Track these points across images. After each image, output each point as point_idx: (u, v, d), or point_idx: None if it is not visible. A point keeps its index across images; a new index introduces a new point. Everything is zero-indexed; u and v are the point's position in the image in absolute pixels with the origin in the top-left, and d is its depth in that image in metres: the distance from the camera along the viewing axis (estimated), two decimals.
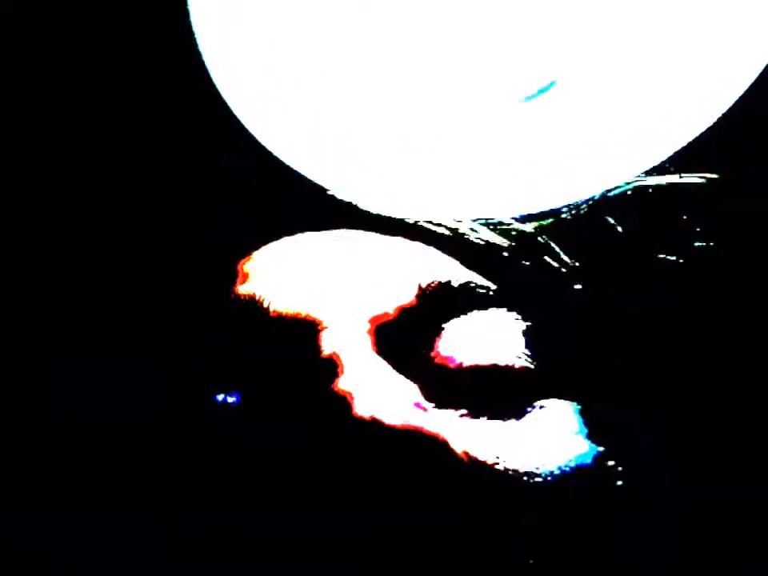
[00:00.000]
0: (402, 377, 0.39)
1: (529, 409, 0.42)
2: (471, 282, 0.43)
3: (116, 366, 0.45)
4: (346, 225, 0.43)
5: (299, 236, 0.45)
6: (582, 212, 0.41)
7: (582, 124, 0.40)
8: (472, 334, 0.42)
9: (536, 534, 0.43)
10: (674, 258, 0.44)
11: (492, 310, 0.43)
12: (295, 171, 0.42)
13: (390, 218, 0.43)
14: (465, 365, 0.41)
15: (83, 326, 0.45)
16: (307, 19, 0.41)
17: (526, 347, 0.43)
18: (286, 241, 0.46)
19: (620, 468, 0.46)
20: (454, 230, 0.45)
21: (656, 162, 0.41)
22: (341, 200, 0.43)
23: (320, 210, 0.44)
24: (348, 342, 0.39)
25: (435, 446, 0.39)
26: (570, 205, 0.39)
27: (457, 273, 0.44)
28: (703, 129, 0.39)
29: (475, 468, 0.40)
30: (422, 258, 0.44)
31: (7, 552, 0.42)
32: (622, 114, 0.41)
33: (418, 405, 0.39)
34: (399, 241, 0.44)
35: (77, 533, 0.42)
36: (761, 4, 0.40)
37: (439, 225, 0.44)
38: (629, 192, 0.41)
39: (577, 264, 0.45)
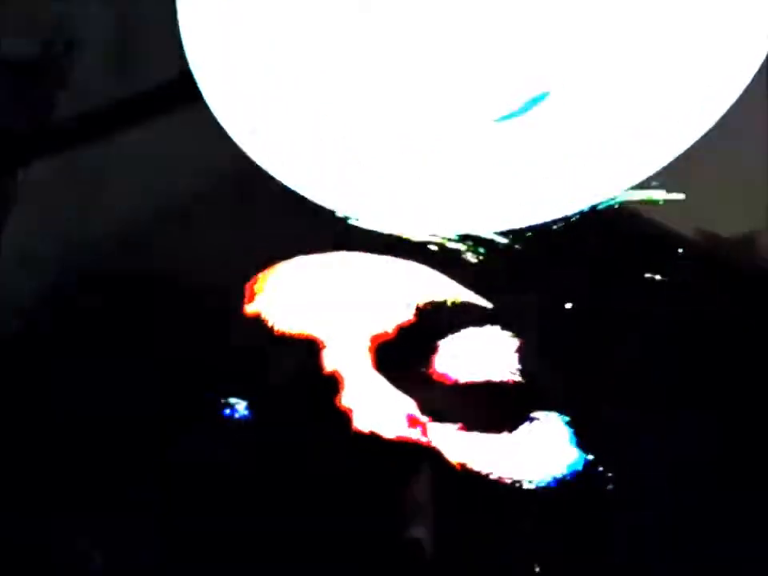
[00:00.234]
0: (399, 392, 0.41)
1: (521, 421, 0.44)
2: (466, 300, 0.45)
3: (127, 376, 0.46)
4: (346, 246, 0.45)
5: (303, 258, 0.47)
6: (571, 226, 0.42)
7: (572, 138, 0.41)
8: (467, 350, 0.44)
9: (532, 539, 0.44)
10: (658, 273, 0.44)
11: (486, 327, 0.45)
12: (295, 193, 0.43)
13: (388, 237, 0.45)
14: (460, 380, 0.42)
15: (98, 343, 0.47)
16: (307, 22, 0.41)
17: (519, 362, 0.44)
18: (290, 262, 0.48)
19: (609, 474, 0.47)
20: (447, 248, 0.46)
21: (642, 178, 0.41)
22: (341, 222, 0.45)
23: (321, 231, 0.45)
24: (348, 359, 0.41)
25: (431, 457, 0.40)
26: (559, 219, 0.40)
27: (452, 291, 0.46)
28: (687, 145, 0.40)
29: (470, 478, 0.42)
30: (418, 278, 0.46)
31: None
32: (611, 130, 0.42)
33: (411, 418, 0.40)
34: (397, 262, 0.46)
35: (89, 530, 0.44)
36: (739, 26, 0.41)
37: (433, 243, 0.46)
38: (616, 206, 0.42)
39: (566, 280, 0.46)
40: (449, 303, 0.45)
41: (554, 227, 0.41)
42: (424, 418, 0.42)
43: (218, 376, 0.46)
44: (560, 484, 0.45)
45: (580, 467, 0.46)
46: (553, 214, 0.40)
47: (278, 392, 0.43)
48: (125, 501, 0.45)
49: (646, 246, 0.43)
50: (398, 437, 0.40)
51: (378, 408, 0.39)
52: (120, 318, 1.28)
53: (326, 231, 0.47)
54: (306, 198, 0.43)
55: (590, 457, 0.48)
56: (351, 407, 0.40)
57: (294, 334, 0.43)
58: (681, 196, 0.42)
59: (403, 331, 0.42)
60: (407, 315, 0.43)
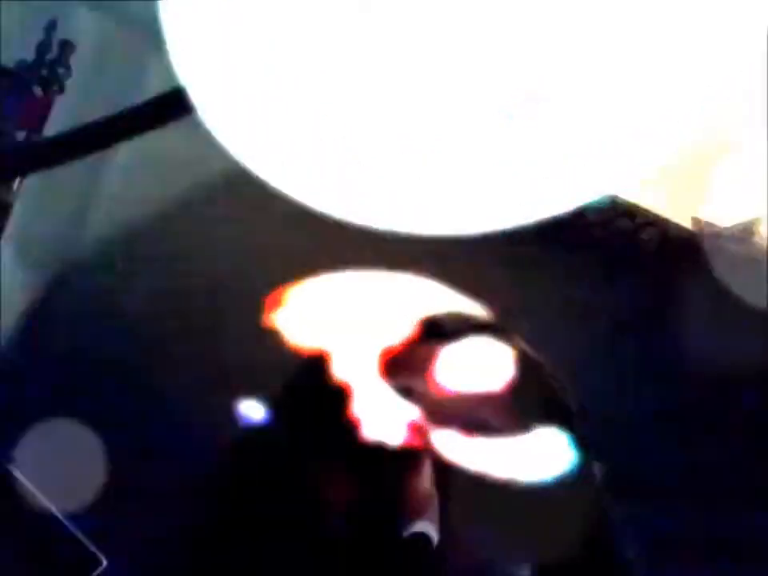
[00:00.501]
0: (405, 401, 0.42)
1: (520, 427, 0.45)
2: (466, 311, 0.46)
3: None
4: (355, 256, 0.47)
5: (317, 276, 0.49)
6: (565, 225, 0.42)
7: (572, 137, 0.41)
8: (467, 359, 0.45)
9: (532, 538, 0.45)
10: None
11: (485, 336, 0.46)
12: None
13: (391, 247, 0.47)
14: (461, 388, 0.44)
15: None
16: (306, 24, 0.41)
17: (516, 370, 0.46)
18: (306, 281, 0.50)
19: (607, 473, 0.49)
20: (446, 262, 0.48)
21: (632, 180, 0.42)
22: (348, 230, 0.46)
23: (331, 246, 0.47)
24: (357, 371, 0.42)
25: (434, 461, 0.41)
26: (552, 218, 0.40)
27: (452, 302, 0.47)
28: (674, 149, 0.40)
29: (471, 480, 0.43)
30: (422, 293, 0.47)
31: None
32: (610, 128, 0.42)
33: (413, 425, 0.41)
34: (402, 278, 0.47)
35: None
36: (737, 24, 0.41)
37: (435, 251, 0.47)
38: (605, 207, 0.43)
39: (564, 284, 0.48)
40: (450, 315, 0.46)
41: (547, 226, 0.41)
42: (427, 425, 0.43)
43: (238, 383, 0.48)
44: (558, 484, 0.46)
45: (576, 469, 0.47)
46: (552, 213, 0.40)
47: (293, 400, 0.44)
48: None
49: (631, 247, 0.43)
50: (402, 444, 0.41)
51: (383, 417, 0.41)
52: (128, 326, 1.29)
53: (336, 245, 0.49)
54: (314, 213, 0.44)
55: (589, 458, 0.49)
56: (359, 417, 0.41)
57: (307, 347, 0.45)
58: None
59: (408, 343, 0.43)
60: (412, 329, 0.45)
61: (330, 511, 0.42)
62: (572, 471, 0.46)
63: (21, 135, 1.17)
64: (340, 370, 0.43)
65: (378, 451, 0.39)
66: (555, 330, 1.40)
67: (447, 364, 0.43)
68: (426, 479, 0.42)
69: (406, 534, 0.40)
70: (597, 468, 0.49)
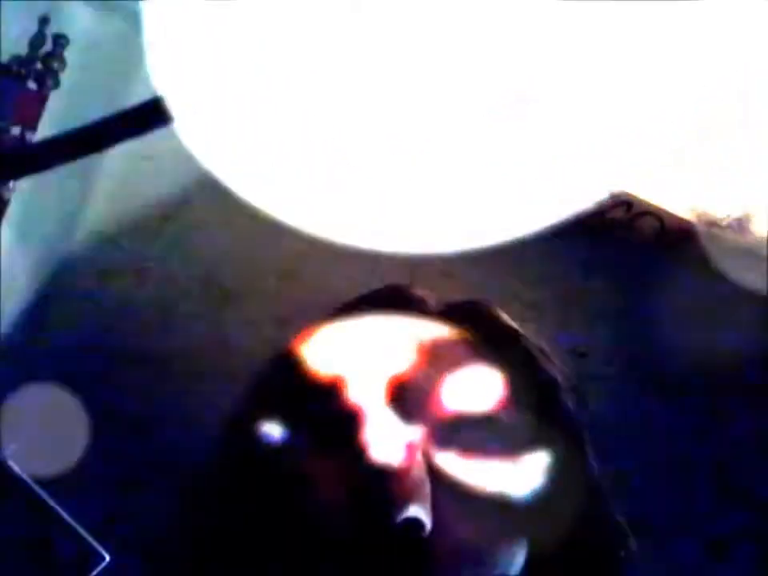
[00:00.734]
0: (410, 425, 0.44)
1: (514, 449, 0.46)
2: (465, 338, 0.49)
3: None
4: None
5: (334, 315, 0.53)
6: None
7: (561, 139, 0.41)
8: (468, 385, 0.47)
9: (524, 523, 0.46)
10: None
11: (483, 364, 0.48)
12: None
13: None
14: (462, 412, 0.45)
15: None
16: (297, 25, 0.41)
17: (509, 398, 0.47)
18: (326, 320, 0.52)
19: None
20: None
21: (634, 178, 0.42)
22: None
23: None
24: (367, 396, 0.44)
25: (437, 481, 0.43)
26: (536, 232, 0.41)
27: (451, 332, 0.49)
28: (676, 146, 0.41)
29: (471, 496, 0.44)
30: (423, 328, 0.50)
31: None
32: (600, 129, 0.42)
33: (410, 445, 0.43)
34: (405, 318, 0.50)
35: None
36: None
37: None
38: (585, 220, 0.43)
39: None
40: (450, 344, 0.48)
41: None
42: (432, 447, 0.45)
43: (260, 404, 0.50)
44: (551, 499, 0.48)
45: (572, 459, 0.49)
46: (545, 218, 0.40)
47: (309, 422, 0.47)
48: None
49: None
50: (405, 465, 0.42)
51: (389, 440, 0.42)
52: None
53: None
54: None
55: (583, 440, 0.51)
56: (368, 441, 0.43)
57: (324, 374, 0.47)
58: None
59: (413, 370, 0.46)
60: (416, 358, 0.47)
61: (323, 502, 0.43)
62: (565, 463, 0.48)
63: (16, 130, 1.17)
64: (353, 396, 0.45)
65: (385, 473, 0.41)
66: (550, 318, 1.41)
67: (451, 388, 0.45)
68: (417, 464, 0.43)
69: (398, 519, 0.40)
70: (591, 457, 0.50)
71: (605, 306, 1.33)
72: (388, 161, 0.38)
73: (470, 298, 0.56)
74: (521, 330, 0.54)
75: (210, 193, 1.35)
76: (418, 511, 0.41)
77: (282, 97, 0.37)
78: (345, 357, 0.48)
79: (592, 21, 0.39)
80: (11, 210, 1.14)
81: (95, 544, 1.06)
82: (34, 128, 1.16)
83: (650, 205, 1.25)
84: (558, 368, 0.53)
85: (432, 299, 0.55)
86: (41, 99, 1.18)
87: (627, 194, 1.25)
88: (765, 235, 1.23)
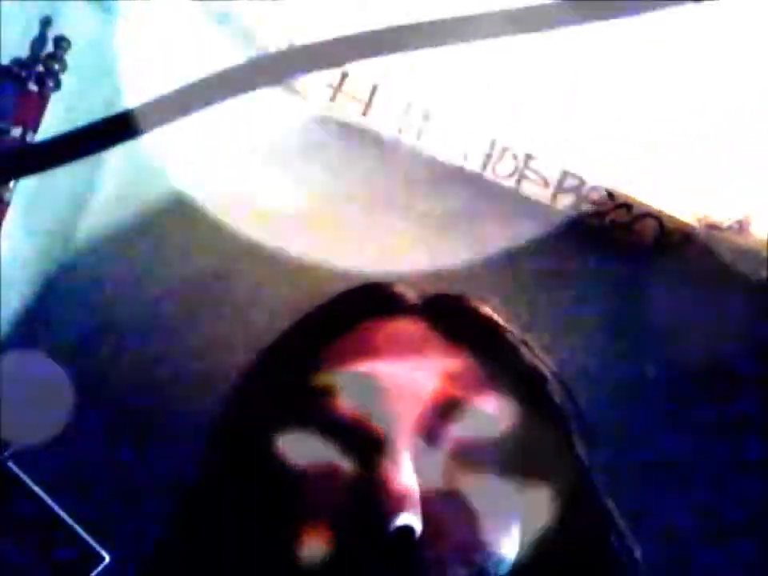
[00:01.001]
0: (400, 431, 0.44)
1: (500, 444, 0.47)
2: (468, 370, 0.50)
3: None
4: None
5: (313, 315, 0.54)
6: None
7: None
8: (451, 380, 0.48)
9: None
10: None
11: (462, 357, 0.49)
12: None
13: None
14: (448, 412, 0.46)
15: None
16: None
17: (492, 390, 0.48)
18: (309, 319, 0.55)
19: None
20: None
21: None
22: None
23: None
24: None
25: (425, 486, 0.43)
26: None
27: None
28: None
29: (458, 498, 0.45)
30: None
31: None
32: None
33: (399, 451, 0.43)
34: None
35: None
36: None
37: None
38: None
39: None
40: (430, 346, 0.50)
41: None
42: (416, 451, 0.46)
43: (248, 408, 0.51)
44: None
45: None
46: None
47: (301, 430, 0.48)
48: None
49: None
50: (395, 471, 0.43)
51: (409, 474, 0.43)
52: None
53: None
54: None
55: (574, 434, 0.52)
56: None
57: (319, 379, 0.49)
58: None
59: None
60: (403, 359, 0.48)
61: (315, 509, 0.43)
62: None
63: (17, 132, 1.17)
64: (347, 406, 0.45)
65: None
66: (549, 317, 1.41)
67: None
68: (407, 472, 0.43)
69: (391, 528, 0.40)
70: (579, 447, 0.50)
71: (605, 306, 1.33)
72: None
73: (448, 292, 0.56)
74: (502, 323, 0.53)
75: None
76: (410, 519, 0.41)
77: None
78: (340, 362, 0.48)
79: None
80: (11, 211, 1.14)
81: (95, 545, 1.06)
82: (35, 129, 1.16)
83: (650, 207, 1.25)
84: (542, 359, 0.52)
85: (410, 294, 0.54)
86: (42, 100, 1.18)
87: (627, 197, 1.26)
88: (765, 237, 1.24)
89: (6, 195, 1.12)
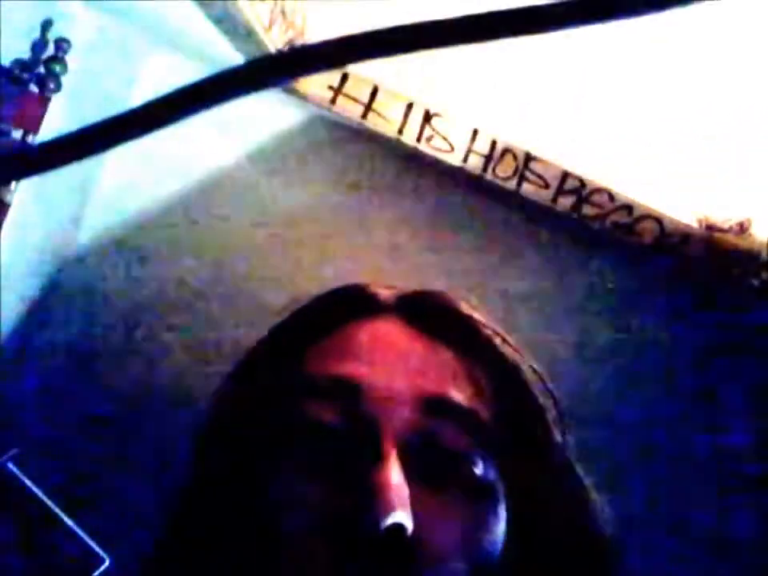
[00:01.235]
0: (388, 433, 0.45)
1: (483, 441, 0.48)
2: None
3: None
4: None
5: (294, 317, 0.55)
6: None
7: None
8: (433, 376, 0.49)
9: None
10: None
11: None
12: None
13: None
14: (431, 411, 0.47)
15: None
16: None
17: (471, 385, 0.49)
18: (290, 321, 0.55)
19: None
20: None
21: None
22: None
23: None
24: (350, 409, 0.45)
25: (414, 483, 0.43)
26: None
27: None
28: None
29: (446, 494, 0.46)
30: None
31: None
32: None
33: (389, 451, 0.44)
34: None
35: None
36: None
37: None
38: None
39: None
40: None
41: None
42: (404, 449, 0.47)
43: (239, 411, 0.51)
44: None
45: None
46: None
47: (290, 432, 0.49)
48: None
49: None
50: (385, 471, 0.44)
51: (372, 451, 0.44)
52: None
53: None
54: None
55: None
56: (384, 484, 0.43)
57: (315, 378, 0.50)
58: None
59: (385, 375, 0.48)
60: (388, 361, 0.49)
61: (307, 511, 0.44)
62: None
63: (17, 134, 1.17)
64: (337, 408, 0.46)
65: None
66: (550, 319, 1.41)
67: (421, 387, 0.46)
68: (396, 472, 0.43)
69: (383, 527, 0.40)
70: (557, 436, 0.50)
71: (604, 307, 1.33)
72: None
73: (423, 290, 0.56)
74: (479, 318, 0.53)
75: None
76: (400, 517, 0.41)
77: None
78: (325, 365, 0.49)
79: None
80: (12, 212, 1.14)
81: (95, 546, 1.06)
82: (35, 131, 1.16)
83: (650, 209, 1.25)
84: (519, 353, 0.53)
85: (386, 294, 0.55)
86: (43, 102, 1.19)
87: (628, 198, 1.26)
88: (765, 239, 1.24)
89: (7, 196, 1.12)
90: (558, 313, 1.35)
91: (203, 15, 1.13)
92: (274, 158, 1.29)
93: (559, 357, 1.29)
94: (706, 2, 0.22)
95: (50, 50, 1.20)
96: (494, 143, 1.25)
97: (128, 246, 1.27)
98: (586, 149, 1.26)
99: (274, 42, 1.13)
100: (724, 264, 1.26)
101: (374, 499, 0.40)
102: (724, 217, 1.26)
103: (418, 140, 1.24)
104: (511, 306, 1.33)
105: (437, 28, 0.24)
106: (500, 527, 0.46)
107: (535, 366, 0.52)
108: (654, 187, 1.27)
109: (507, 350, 0.51)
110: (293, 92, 1.21)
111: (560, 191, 1.26)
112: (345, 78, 1.23)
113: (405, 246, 1.30)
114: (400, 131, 1.24)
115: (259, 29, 1.08)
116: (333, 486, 0.43)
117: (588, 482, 0.51)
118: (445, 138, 1.25)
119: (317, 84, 1.22)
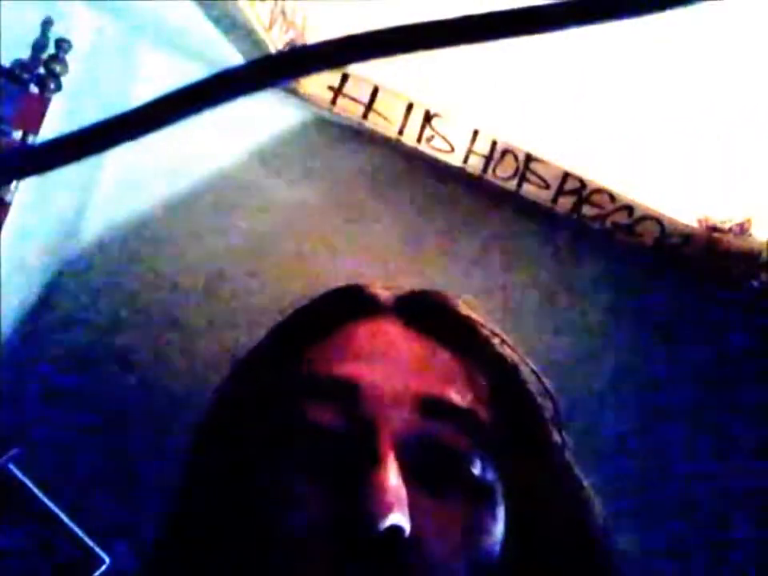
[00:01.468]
0: (385, 434, 0.45)
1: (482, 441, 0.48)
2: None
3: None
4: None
5: (292, 318, 0.55)
6: None
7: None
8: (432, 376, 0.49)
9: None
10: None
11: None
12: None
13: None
14: (431, 413, 0.47)
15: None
16: None
17: (469, 385, 0.49)
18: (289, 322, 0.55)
19: None
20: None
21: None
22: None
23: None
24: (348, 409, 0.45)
25: (411, 484, 0.43)
26: None
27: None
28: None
29: (443, 493, 0.46)
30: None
31: None
32: None
33: (386, 452, 0.44)
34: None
35: None
36: None
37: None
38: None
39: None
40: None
41: None
42: (400, 449, 0.47)
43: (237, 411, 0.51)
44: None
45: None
46: None
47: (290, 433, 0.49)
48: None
49: None
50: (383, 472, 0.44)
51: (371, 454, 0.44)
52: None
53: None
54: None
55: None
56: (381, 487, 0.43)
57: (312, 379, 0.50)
58: None
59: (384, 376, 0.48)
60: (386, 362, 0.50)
61: (306, 511, 0.44)
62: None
63: (17, 134, 1.17)
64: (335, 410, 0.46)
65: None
66: (550, 319, 1.41)
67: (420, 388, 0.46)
68: (393, 473, 0.43)
69: (381, 528, 0.40)
70: (554, 435, 0.50)
71: (604, 308, 1.33)
72: None
73: (422, 290, 0.56)
74: (477, 318, 0.53)
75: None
76: (398, 519, 0.41)
77: None
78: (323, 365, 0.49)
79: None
80: (12, 212, 1.14)
81: (95, 547, 1.06)
82: (35, 131, 1.16)
83: (651, 209, 1.25)
84: (517, 353, 0.53)
85: (385, 294, 0.55)
86: (43, 102, 1.19)
87: (628, 199, 1.26)
88: (765, 239, 1.24)
89: (7, 196, 1.12)
90: (558, 313, 1.35)
91: (203, 15, 1.13)
92: (274, 158, 1.29)
93: (559, 357, 1.30)
94: (707, 2, 0.22)
95: (50, 49, 1.20)
96: (494, 144, 1.25)
97: (128, 246, 1.27)
98: (587, 149, 1.26)
99: (274, 42, 1.13)
100: (724, 264, 1.26)
101: (372, 501, 0.40)
102: (724, 217, 1.26)
103: (419, 140, 1.24)
104: (511, 306, 1.33)
105: (437, 28, 0.24)
106: (499, 527, 0.46)
107: (533, 366, 0.52)
108: (654, 188, 1.27)
109: (506, 351, 0.51)
110: (293, 92, 1.22)
111: (560, 192, 1.26)
112: (345, 78, 1.23)
113: (405, 246, 1.31)
114: (400, 131, 1.24)
115: (259, 29, 1.08)
116: (331, 487, 0.43)
117: (587, 482, 0.51)
118: (445, 139, 1.25)
119: (317, 84, 1.22)
